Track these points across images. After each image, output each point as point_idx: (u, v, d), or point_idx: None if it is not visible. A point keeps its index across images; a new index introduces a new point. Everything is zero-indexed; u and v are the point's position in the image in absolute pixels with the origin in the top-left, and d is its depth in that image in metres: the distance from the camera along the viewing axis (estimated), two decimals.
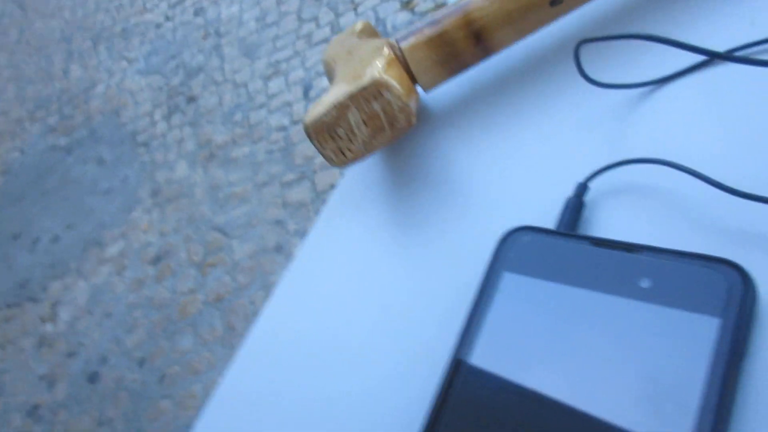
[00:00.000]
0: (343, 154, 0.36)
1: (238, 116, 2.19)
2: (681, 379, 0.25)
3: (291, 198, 1.81)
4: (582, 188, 0.31)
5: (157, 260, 1.95)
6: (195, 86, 2.41)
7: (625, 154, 0.32)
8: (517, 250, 0.31)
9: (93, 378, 1.78)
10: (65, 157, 2.55)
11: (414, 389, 0.31)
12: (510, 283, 0.30)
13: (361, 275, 0.36)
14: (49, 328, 1.98)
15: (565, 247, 0.30)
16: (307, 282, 0.37)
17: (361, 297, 0.35)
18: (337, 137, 0.35)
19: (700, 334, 0.25)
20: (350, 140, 0.35)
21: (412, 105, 0.35)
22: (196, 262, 1.86)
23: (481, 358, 0.28)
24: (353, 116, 0.34)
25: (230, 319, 1.65)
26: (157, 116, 2.42)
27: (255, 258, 1.74)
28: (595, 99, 0.35)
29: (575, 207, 0.31)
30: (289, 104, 2.08)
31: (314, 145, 0.35)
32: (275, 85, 2.17)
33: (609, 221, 0.31)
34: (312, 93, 2.05)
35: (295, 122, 2.01)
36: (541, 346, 0.27)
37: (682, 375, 0.25)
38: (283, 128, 2.03)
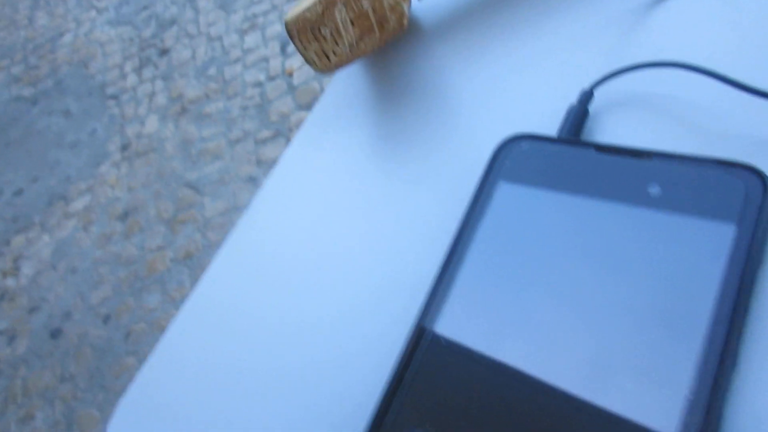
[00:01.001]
0: (327, 57, 0.32)
1: (212, 71, 2.12)
2: (693, 289, 0.23)
3: (265, 155, 1.77)
4: (587, 96, 0.29)
5: (125, 216, 1.90)
6: (167, 39, 2.33)
7: (633, 60, 0.30)
8: (515, 159, 0.28)
9: (55, 334, 1.73)
10: (30, 109, 2.45)
11: (395, 316, 0.28)
12: (506, 193, 0.28)
13: (342, 195, 0.33)
14: (10, 282, 1.92)
15: (567, 154, 0.27)
16: (282, 200, 0.35)
17: (340, 218, 0.32)
18: (321, 38, 0.32)
19: (714, 241, 0.23)
20: (336, 42, 0.32)
21: (405, 6, 0.32)
22: (166, 218, 1.81)
23: (471, 278, 0.26)
24: (340, 14, 0.31)
25: (199, 276, 1.62)
26: (128, 69, 2.34)
27: (227, 215, 1.70)
28: (599, 2, 0.33)
29: (578, 115, 0.29)
30: (265, 59, 2.02)
31: (296, 47, 0.32)
32: (251, 39, 2.10)
33: (615, 132, 0.29)
34: (289, 48, 1.99)
35: (271, 78, 1.95)
36: (539, 259, 0.25)
37: (694, 285, 0.23)
38: (258, 84, 1.97)
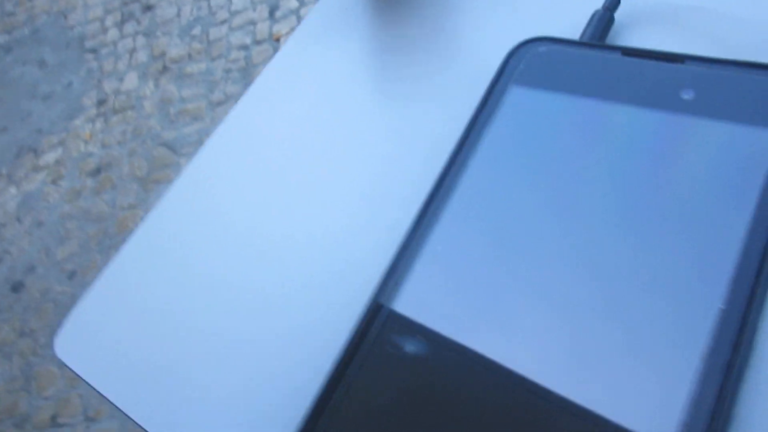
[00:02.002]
0: None
1: (196, 30, 2.06)
2: (730, 198, 0.20)
3: None
4: (614, 2, 0.26)
5: (97, 172, 1.84)
6: None
7: None
8: (530, 63, 0.26)
9: (17, 287, 1.67)
10: (3, 56, 2.36)
11: (385, 233, 0.25)
12: (518, 98, 0.25)
13: (334, 108, 0.30)
14: None
15: (590, 58, 0.25)
16: (261, 116, 0.31)
17: (326, 142, 0.29)
18: None
19: (754, 148, 0.21)
20: None
21: None
22: (140, 177, 1.76)
23: (479, 180, 0.23)
24: None
25: None
26: (109, 22, 2.26)
27: None
28: None
29: (603, 20, 0.26)
30: (252, 23, 1.96)
31: None
32: (239, 1, 2.04)
33: (641, 42, 0.26)
34: (278, 13, 1.94)
35: (257, 42, 1.90)
36: (552, 181, 0.23)
37: (730, 195, 0.20)
38: (244, 47, 1.92)
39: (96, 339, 0.27)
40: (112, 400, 0.23)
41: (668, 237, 0.20)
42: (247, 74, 1.85)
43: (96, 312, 0.28)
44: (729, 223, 0.20)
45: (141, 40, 2.14)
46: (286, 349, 0.24)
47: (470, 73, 0.28)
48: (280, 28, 1.91)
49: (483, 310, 0.20)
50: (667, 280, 0.19)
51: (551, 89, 0.25)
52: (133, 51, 2.13)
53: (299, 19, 1.96)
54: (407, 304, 0.21)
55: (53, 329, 1.55)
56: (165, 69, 2.02)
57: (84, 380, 0.24)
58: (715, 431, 0.17)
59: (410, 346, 0.20)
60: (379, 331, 0.21)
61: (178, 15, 2.13)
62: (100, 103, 2.03)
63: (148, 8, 2.22)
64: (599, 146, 0.23)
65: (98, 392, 0.24)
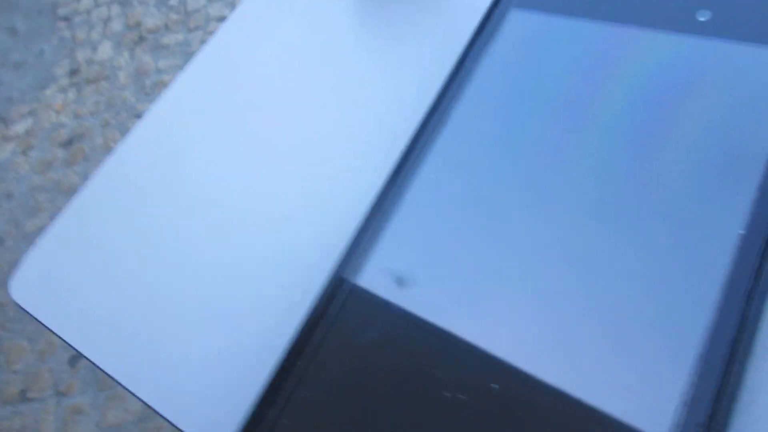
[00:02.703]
0: None
1: (174, 1, 2.01)
2: (748, 127, 0.19)
3: None
4: None
5: (68, 143, 1.79)
6: None
7: None
8: None
9: None
10: None
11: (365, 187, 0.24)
12: (518, 23, 0.23)
13: (310, 53, 0.28)
14: None
15: None
16: (233, 58, 0.29)
17: (304, 83, 0.27)
18: None
19: None
20: None
21: None
22: (113, 148, 1.71)
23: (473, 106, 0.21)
24: None
25: None
26: None
27: None
28: None
29: None
30: None
31: None
32: None
33: None
34: None
35: None
36: (558, 104, 0.21)
37: (749, 122, 0.19)
38: (222, 19, 1.87)
39: (52, 282, 0.25)
40: (68, 340, 0.21)
41: (683, 169, 0.18)
42: None
43: (53, 255, 0.26)
44: (750, 153, 0.18)
45: (116, 9, 2.07)
46: (249, 305, 0.22)
47: (465, 6, 0.26)
48: None
49: (458, 286, 0.18)
50: (678, 224, 0.18)
51: (556, 12, 0.23)
52: (107, 20, 2.07)
53: None
54: (372, 277, 0.19)
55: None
56: (141, 39, 1.96)
57: (39, 321, 0.22)
58: (717, 417, 0.16)
59: (374, 322, 0.18)
60: (341, 303, 0.19)
61: None
62: (73, 72, 1.97)
63: None
64: (609, 76, 0.21)
65: (54, 333, 0.22)
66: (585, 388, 0.17)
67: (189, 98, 0.28)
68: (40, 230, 1.63)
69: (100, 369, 0.21)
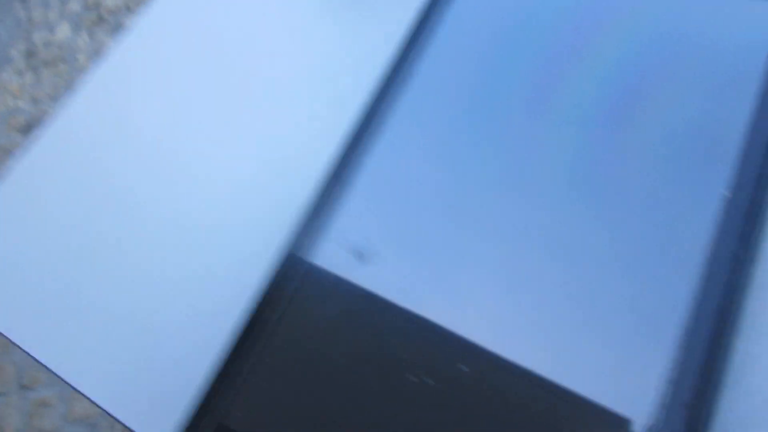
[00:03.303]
0: None
1: None
2: (731, 92, 0.17)
3: None
4: None
5: (27, 128, 1.73)
6: None
7: None
8: None
9: None
10: None
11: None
12: None
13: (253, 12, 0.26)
14: None
15: None
16: (178, 19, 0.27)
17: (252, 44, 0.25)
18: None
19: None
20: None
21: None
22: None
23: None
24: None
25: None
26: None
27: None
28: None
29: None
30: None
31: None
32: None
33: None
34: None
35: None
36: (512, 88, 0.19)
37: (732, 86, 0.17)
38: None
39: None
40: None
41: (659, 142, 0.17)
42: None
43: None
44: (731, 115, 0.17)
45: None
46: (198, 283, 0.20)
47: None
48: None
49: (423, 262, 0.17)
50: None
51: None
52: (65, 0, 1.99)
53: None
54: (329, 253, 0.18)
55: None
56: (100, 20, 1.90)
57: None
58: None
59: (332, 301, 0.17)
60: (296, 282, 0.17)
61: None
62: (30, 54, 1.90)
63: None
64: (578, 33, 0.20)
65: None
66: (561, 370, 0.16)
67: (136, 60, 0.26)
68: None
69: (34, 358, 0.19)
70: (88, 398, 0.20)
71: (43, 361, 0.20)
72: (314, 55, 0.24)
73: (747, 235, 0.16)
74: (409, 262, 0.17)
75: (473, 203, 0.17)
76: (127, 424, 0.19)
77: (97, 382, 0.19)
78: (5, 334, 0.20)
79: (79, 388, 0.19)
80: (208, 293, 0.20)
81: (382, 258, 0.17)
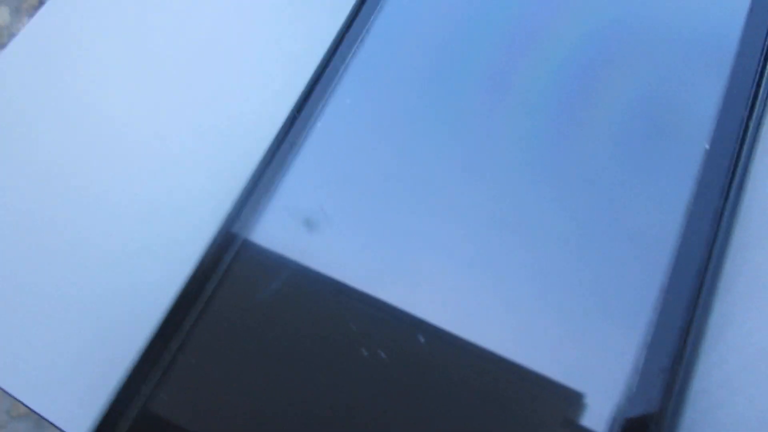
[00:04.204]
0: None
1: None
2: (714, 35, 0.16)
3: None
4: None
5: None
6: None
7: None
8: None
9: None
10: None
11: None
12: None
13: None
14: None
15: None
16: None
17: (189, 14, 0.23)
18: None
19: None
20: None
21: None
22: None
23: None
24: None
25: None
26: None
27: None
28: None
29: None
30: None
31: None
32: None
33: None
34: None
35: None
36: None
37: (715, 29, 0.16)
38: None
39: None
40: None
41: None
42: None
43: None
44: (713, 59, 0.16)
45: None
46: (130, 258, 0.18)
47: None
48: None
49: (373, 231, 0.15)
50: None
51: None
52: None
53: None
54: (270, 224, 0.16)
55: None
56: (41, 4, 1.81)
57: None
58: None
59: (273, 276, 0.15)
60: (232, 255, 0.15)
61: None
62: None
63: None
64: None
65: None
66: (525, 345, 0.14)
67: (65, 24, 0.24)
68: None
69: None
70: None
71: None
72: (261, 14, 0.21)
73: (727, 190, 0.15)
74: (357, 234, 0.15)
75: (430, 177, 0.15)
76: (39, 412, 0.16)
77: (4, 366, 0.17)
78: None
79: None
80: (141, 271, 0.18)
81: (331, 228, 0.15)
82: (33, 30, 0.24)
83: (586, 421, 0.14)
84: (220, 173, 0.18)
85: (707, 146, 0.15)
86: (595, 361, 0.14)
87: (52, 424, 0.18)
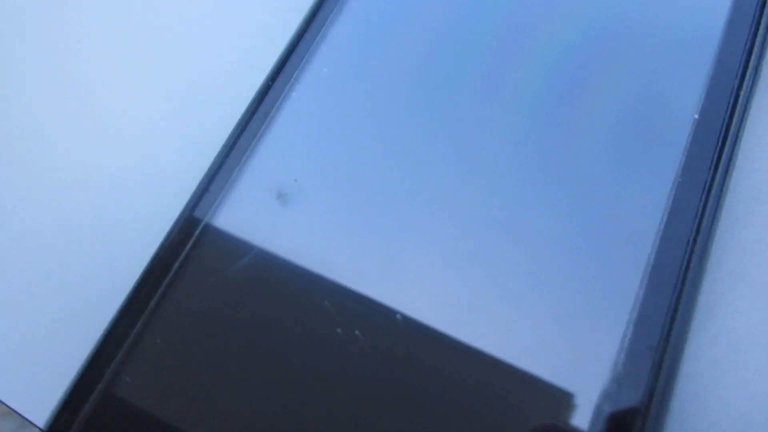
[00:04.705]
0: None
1: None
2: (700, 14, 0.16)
3: None
4: None
5: None
6: None
7: None
8: None
9: None
10: None
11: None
12: None
13: None
14: None
15: None
16: None
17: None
18: None
19: None
20: None
21: None
22: None
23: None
24: None
25: None
26: None
27: None
28: None
29: None
30: None
31: None
32: None
33: None
34: None
35: None
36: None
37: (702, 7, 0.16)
38: None
39: None
40: None
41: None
42: None
43: None
44: (700, 36, 0.15)
45: None
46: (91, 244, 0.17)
47: None
48: None
49: (348, 208, 0.15)
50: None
51: None
52: None
53: None
54: (237, 203, 0.15)
55: None
56: None
57: None
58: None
59: (238, 256, 0.14)
60: (196, 237, 0.14)
61: None
62: None
63: None
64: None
65: None
66: (507, 319, 0.14)
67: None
68: None
69: None
70: None
71: None
72: None
73: (716, 163, 0.14)
74: (332, 207, 0.14)
75: (408, 148, 0.15)
76: (2, 399, 0.16)
77: None
78: None
79: None
80: (107, 249, 0.17)
81: (305, 202, 0.14)
82: None
83: (570, 404, 0.13)
84: (191, 145, 0.17)
85: (696, 116, 0.14)
86: (581, 343, 0.14)
87: (15, 411, 0.17)
